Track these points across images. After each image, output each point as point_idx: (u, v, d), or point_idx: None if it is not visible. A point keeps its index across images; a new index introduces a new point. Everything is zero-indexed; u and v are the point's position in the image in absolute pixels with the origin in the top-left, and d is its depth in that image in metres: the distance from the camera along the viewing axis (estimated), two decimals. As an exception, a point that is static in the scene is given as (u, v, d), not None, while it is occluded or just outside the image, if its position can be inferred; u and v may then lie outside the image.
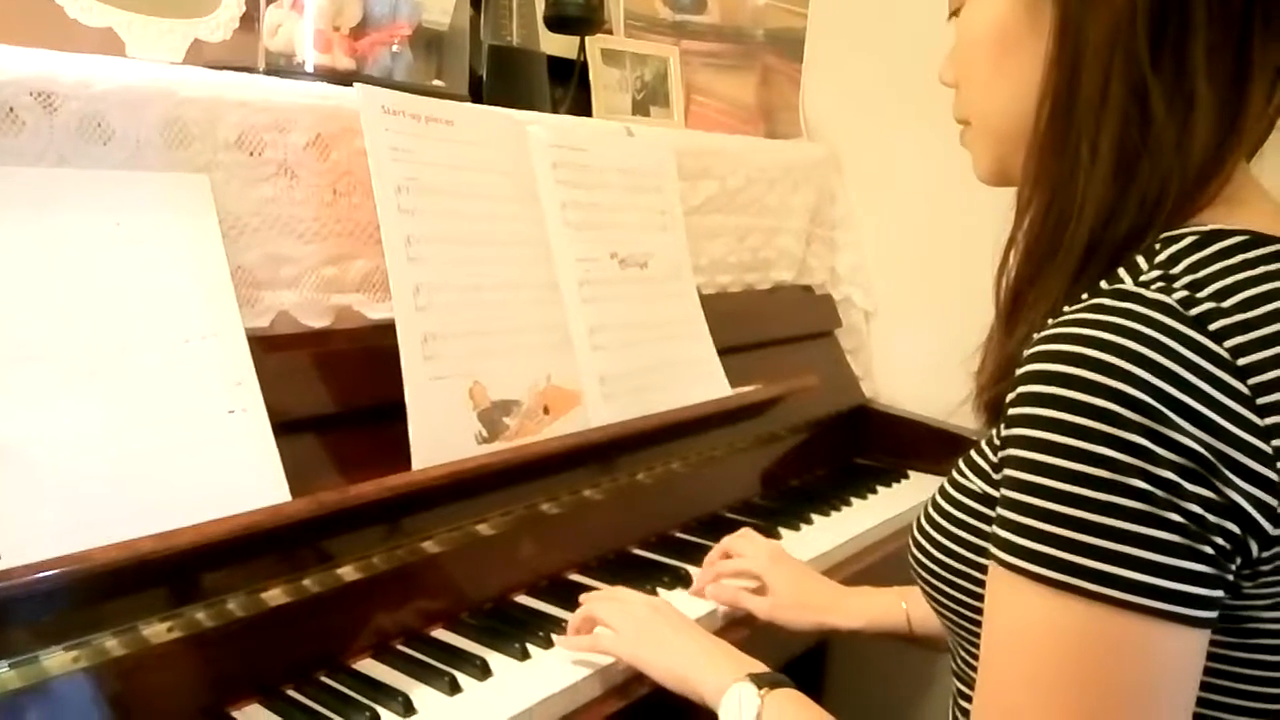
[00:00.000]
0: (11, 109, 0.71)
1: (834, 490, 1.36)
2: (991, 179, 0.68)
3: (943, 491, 0.66)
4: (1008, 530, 0.52)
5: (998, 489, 0.55)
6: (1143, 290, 0.52)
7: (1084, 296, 0.55)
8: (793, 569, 1.01)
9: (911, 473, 1.47)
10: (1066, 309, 0.55)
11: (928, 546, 0.66)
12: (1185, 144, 0.56)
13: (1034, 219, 0.61)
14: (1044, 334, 0.53)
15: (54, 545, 0.66)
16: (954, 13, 0.67)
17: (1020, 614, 0.52)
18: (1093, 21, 0.56)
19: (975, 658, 0.65)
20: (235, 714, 0.76)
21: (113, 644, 0.70)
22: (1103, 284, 0.56)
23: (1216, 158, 0.56)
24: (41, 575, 0.64)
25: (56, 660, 0.67)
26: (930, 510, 0.67)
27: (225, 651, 0.77)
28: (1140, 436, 0.48)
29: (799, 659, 1.05)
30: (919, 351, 1.61)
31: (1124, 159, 0.56)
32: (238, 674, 0.78)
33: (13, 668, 0.65)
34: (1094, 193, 0.57)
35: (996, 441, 0.59)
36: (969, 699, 0.67)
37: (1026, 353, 0.54)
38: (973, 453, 0.64)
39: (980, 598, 0.59)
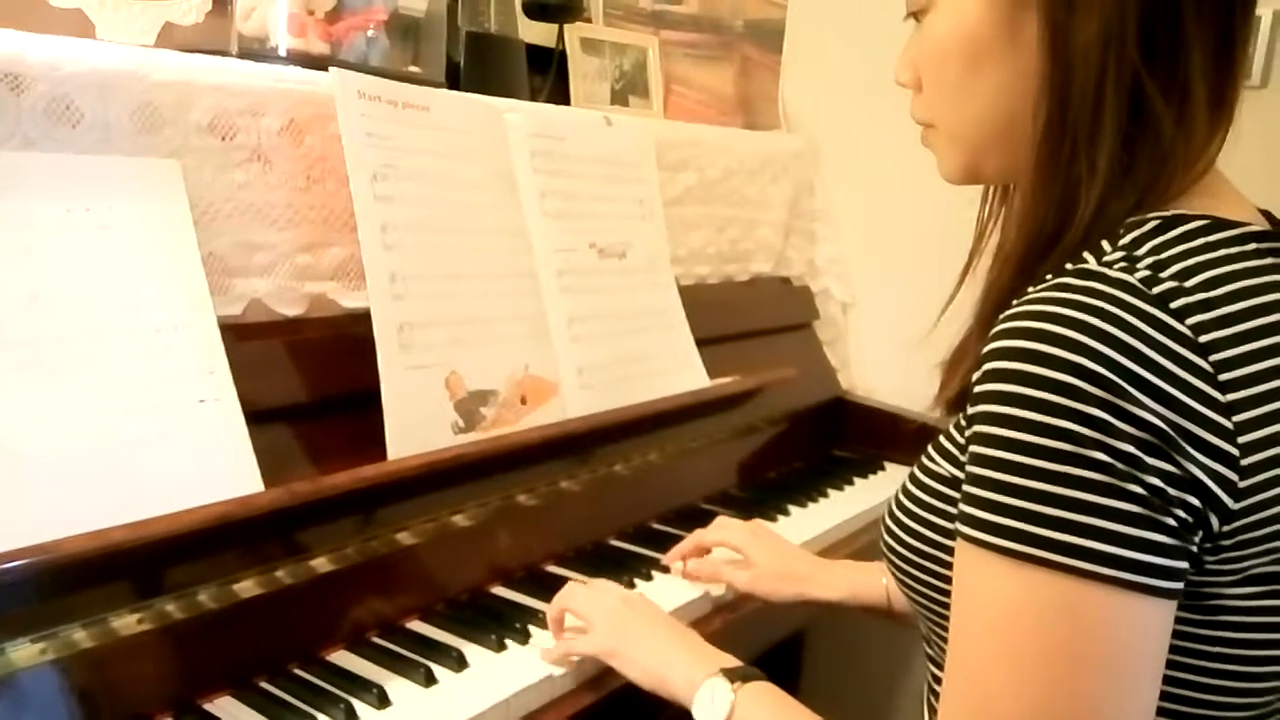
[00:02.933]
0: (-24, 90, 0.69)
1: (811, 481, 1.37)
2: (958, 179, 0.68)
3: (912, 478, 0.67)
4: (973, 506, 0.53)
5: (964, 469, 0.56)
6: (1106, 270, 0.53)
7: (1048, 278, 0.55)
8: (773, 541, 1.02)
9: (888, 464, 1.48)
10: (1030, 290, 0.55)
11: (898, 532, 0.66)
12: (1182, 138, 0.56)
13: (1030, 232, 0.60)
14: (1008, 313, 0.54)
15: (21, 535, 0.64)
16: (914, 14, 0.66)
17: (986, 588, 0.53)
18: (1081, 27, 0.56)
19: (947, 642, 0.65)
20: (207, 706, 0.75)
21: (81, 636, 0.69)
22: (1068, 266, 0.56)
23: (1205, 145, 0.57)
24: (8, 566, 0.63)
25: (24, 652, 0.66)
26: (900, 496, 0.67)
27: (196, 643, 0.76)
28: (1100, 410, 0.49)
29: (774, 650, 1.05)
30: (896, 343, 1.61)
31: (1122, 165, 0.57)
32: (209, 666, 0.77)
33: (-23, 660, 0.64)
34: (1093, 202, 0.57)
35: (964, 423, 0.59)
36: (942, 683, 0.68)
37: (992, 332, 0.54)
38: (941, 438, 0.65)
39: (951, 581, 0.59)
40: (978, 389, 0.53)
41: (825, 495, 1.33)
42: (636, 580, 1.02)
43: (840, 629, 1.56)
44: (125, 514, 0.69)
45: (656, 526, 1.19)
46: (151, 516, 0.70)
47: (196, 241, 0.81)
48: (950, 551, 0.60)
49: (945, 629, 0.65)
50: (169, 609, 0.74)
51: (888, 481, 1.42)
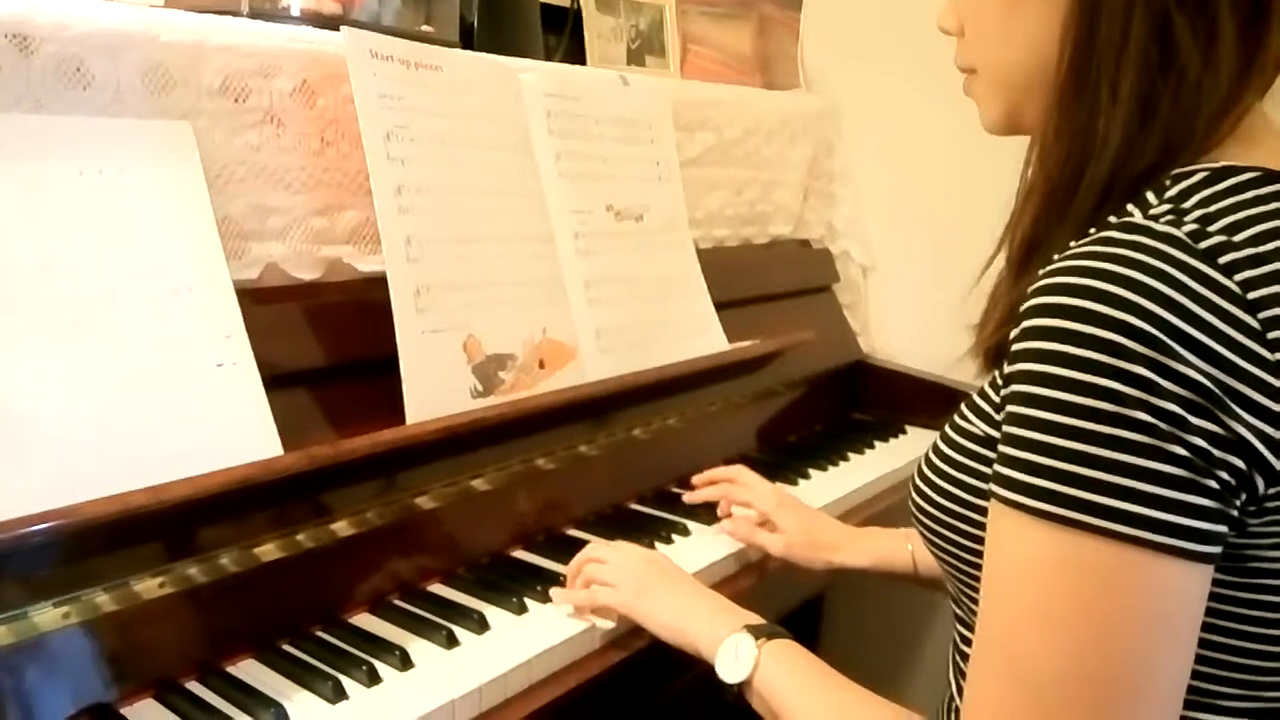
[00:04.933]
0: (-15, 52, 0.68)
1: (831, 445, 1.36)
2: (999, 129, 0.66)
3: (944, 436, 0.65)
4: (1008, 467, 0.52)
5: (1000, 429, 0.55)
6: (1151, 223, 0.51)
7: (1092, 232, 0.54)
8: (800, 510, 1.02)
9: (909, 428, 1.47)
10: (1073, 244, 0.53)
11: (928, 492, 0.65)
12: (1208, 80, 0.55)
13: (1051, 166, 0.59)
14: (1049, 269, 0.52)
15: (42, 500, 0.64)
16: None
17: (1021, 550, 0.52)
18: None
19: (977, 604, 0.65)
20: (230, 669, 0.75)
21: (104, 599, 0.69)
22: (1111, 219, 0.55)
23: (1235, 94, 0.55)
24: (29, 529, 0.63)
25: (47, 616, 0.66)
26: (931, 456, 0.66)
27: (219, 606, 0.76)
28: (1145, 369, 0.47)
29: (795, 611, 1.05)
30: (917, 306, 1.60)
31: (1146, 98, 0.55)
32: (232, 629, 0.77)
33: (2, 624, 0.64)
34: (1114, 135, 0.56)
35: (999, 381, 0.58)
36: (971, 644, 0.67)
37: (1031, 288, 0.53)
38: (975, 396, 0.63)
39: (983, 541, 0.58)
40: (1016, 347, 0.52)
41: (845, 459, 1.32)
42: (656, 543, 1.02)
43: (859, 590, 1.56)
44: (144, 478, 0.69)
45: (675, 490, 1.18)
46: (171, 480, 0.70)
47: (210, 205, 0.80)
48: (982, 512, 0.59)
49: (975, 590, 0.64)
50: (191, 572, 0.75)
51: (908, 445, 1.41)
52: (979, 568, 0.61)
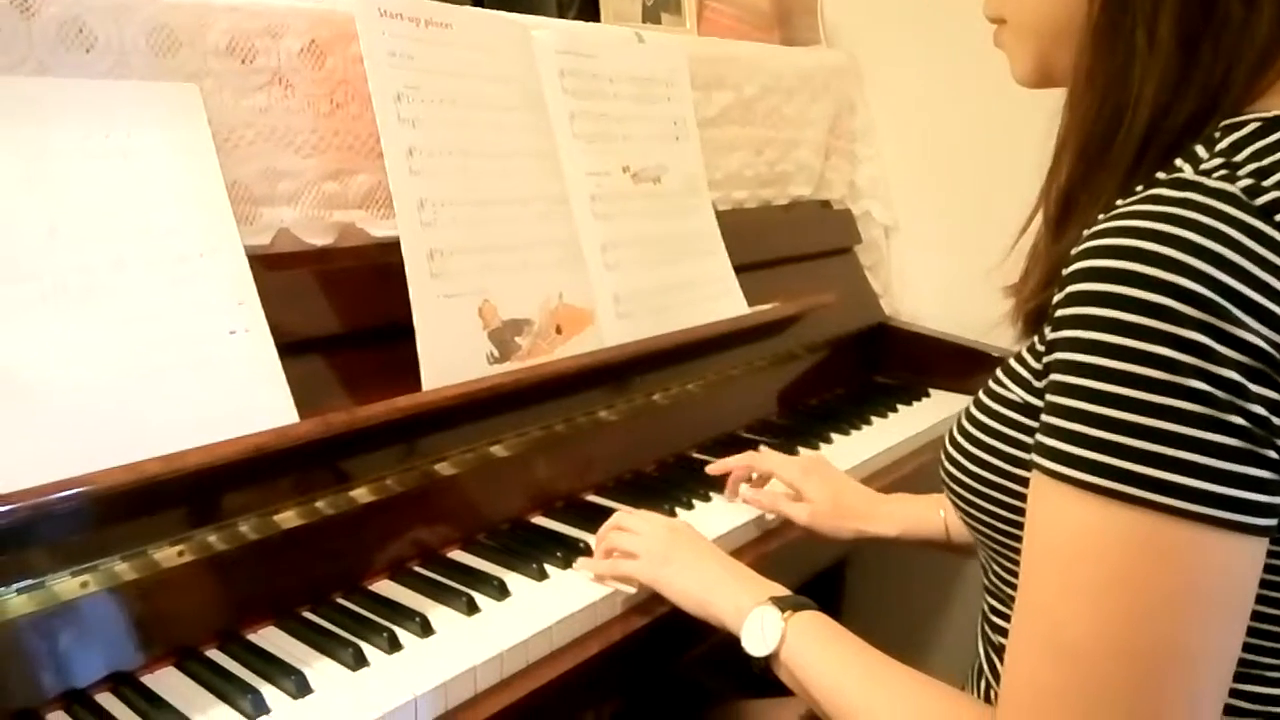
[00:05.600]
0: (-15, 13, 0.67)
1: (853, 409, 1.34)
2: (1031, 80, 0.63)
3: (978, 402, 0.63)
4: (1052, 437, 0.50)
5: (1041, 396, 0.53)
6: (1203, 179, 0.48)
7: (1139, 189, 0.51)
8: (828, 477, 1.00)
9: (933, 391, 1.45)
10: (1119, 203, 0.51)
11: (961, 459, 0.63)
12: (1251, 22, 0.52)
13: (1085, 116, 0.57)
14: (1095, 229, 0.50)
15: (56, 470, 0.64)
16: None
17: (1065, 524, 0.50)
18: None
19: (1011, 573, 0.63)
20: (251, 636, 0.75)
21: (123, 568, 0.69)
22: (1159, 175, 0.52)
23: None
24: (47, 498, 0.62)
25: (65, 585, 0.66)
26: (964, 422, 0.64)
27: (238, 574, 0.76)
28: (1200, 334, 0.45)
29: (815, 580, 1.04)
30: (940, 267, 1.57)
31: (1185, 42, 0.52)
32: (252, 596, 0.77)
33: (20, 593, 0.64)
34: (1152, 82, 0.53)
35: (1040, 347, 0.56)
36: (1003, 615, 0.66)
37: (1075, 250, 0.50)
38: (1012, 361, 0.61)
39: (1019, 510, 0.57)
40: (1060, 312, 0.50)
41: (868, 423, 1.30)
42: (677, 509, 1.01)
43: (882, 556, 1.55)
44: (159, 447, 0.69)
45: (696, 456, 1.17)
46: (187, 448, 0.70)
47: (220, 168, 0.78)
48: (1019, 481, 0.57)
49: (1008, 559, 0.63)
50: (210, 540, 0.74)
51: (932, 408, 1.39)
52: (1014, 538, 0.60)
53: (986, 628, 0.70)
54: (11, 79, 0.68)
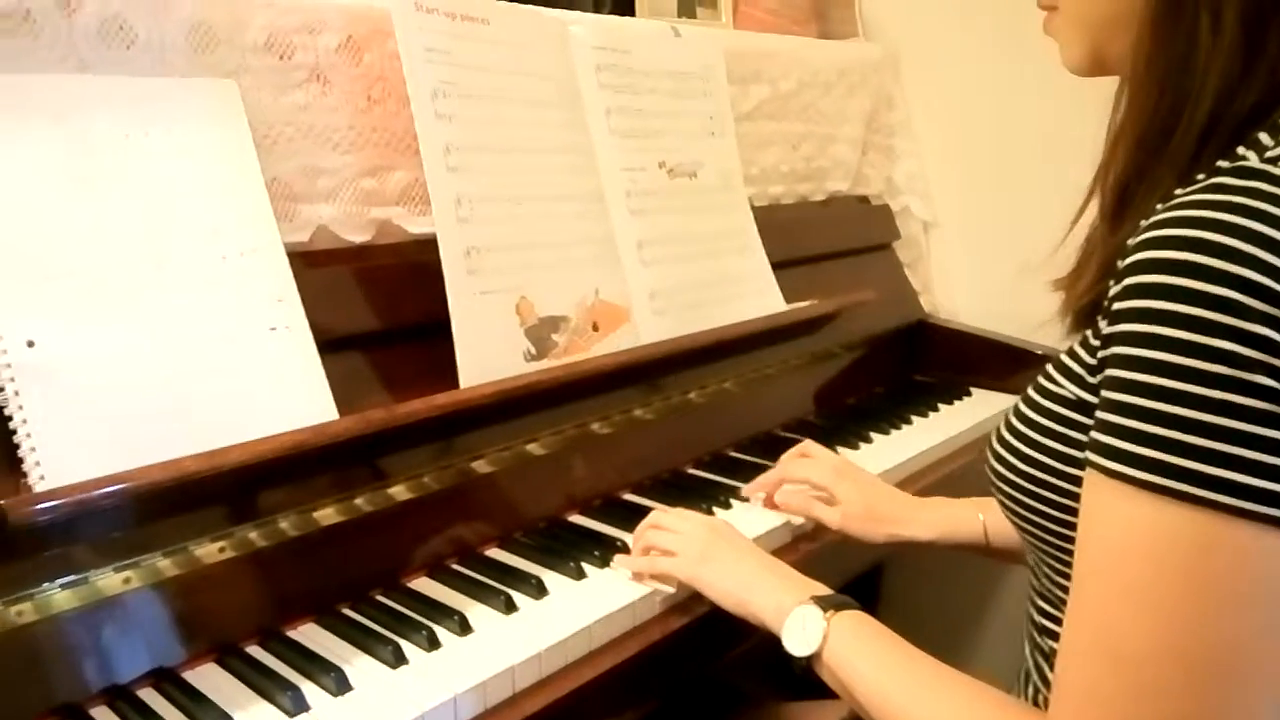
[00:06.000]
0: (28, 12, 0.67)
1: (893, 408, 1.32)
2: (1082, 68, 0.62)
3: (1028, 399, 0.61)
4: (1109, 434, 0.48)
5: (1096, 392, 0.51)
6: (1270, 167, 0.47)
7: (1200, 178, 0.50)
8: (861, 480, 0.98)
9: (974, 389, 1.42)
10: (1179, 192, 0.49)
11: (1010, 458, 0.61)
12: None
13: (1144, 105, 0.55)
14: (1155, 219, 0.48)
15: (99, 465, 0.64)
16: None
17: (1122, 524, 0.48)
18: None
19: (1061, 575, 0.61)
20: (291, 633, 0.75)
21: (165, 564, 0.69)
22: (1222, 163, 0.50)
23: None
24: (90, 495, 0.63)
25: (108, 581, 0.66)
26: (1013, 420, 0.62)
27: (279, 571, 0.76)
28: (1265, 327, 0.44)
29: (852, 584, 1.02)
30: (982, 263, 1.55)
31: (1252, 29, 0.50)
32: (293, 594, 0.77)
33: (65, 588, 0.64)
34: (1216, 70, 0.51)
35: (1095, 341, 0.54)
36: (1054, 619, 0.64)
37: (1133, 241, 0.49)
38: (1064, 356, 0.59)
39: (1071, 510, 0.55)
40: (1119, 305, 0.48)
41: (908, 422, 1.28)
42: (715, 509, 0.99)
43: (920, 561, 1.53)
44: (200, 443, 0.69)
45: (733, 455, 1.16)
46: (227, 445, 0.70)
47: (259, 165, 0.78)
48: (1071, 480, 0.56)
49: (1059, 562, 0.61)
50: (250, 537, 0.74)
51: (975, 407, 1.36)
52: (1065, 539, 0.58)
53: (1034, 632, 0.68)
54: (52, 77, 0.68)
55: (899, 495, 0.98)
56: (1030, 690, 0.68)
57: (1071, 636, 0.52)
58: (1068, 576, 0.60)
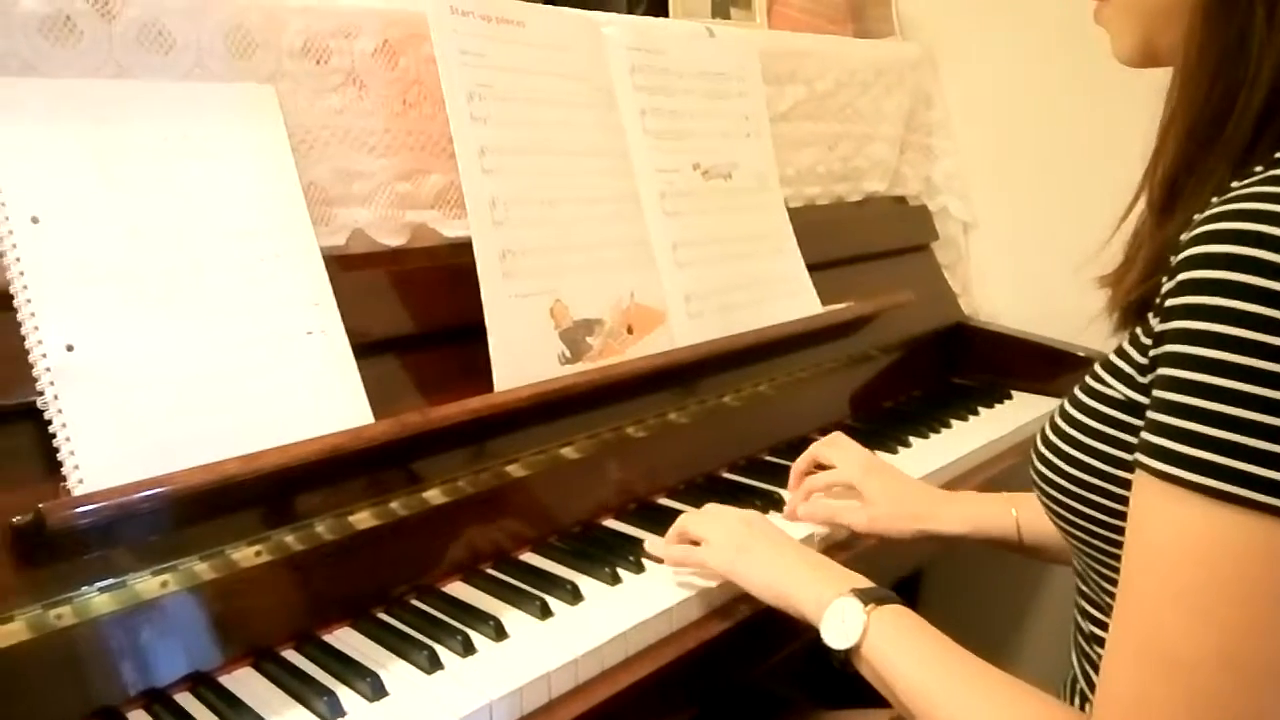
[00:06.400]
0: (68, 17, 0.68)
1: (932, 411, 1.30)
2: (1134, 60, 0.60)
3: (1074, 400, 0.60)
4: (1161, 435, 0.47)
5: (1146, 392, 0.49)
6: None
7: (1257, 170, 0.48)
8: (888, 476, 0.96)
9: (1015, 393, 1.39)
10: (1235, 185, 0.47)
11: (1056, 460, 0.59)
12: None
13: (1195, 95, 0.53)
14: (1210, 213, 0.46)
15: (136, 469, 0.64)
16: None
17: (1173, 527, 0.47)
18: None
19: (1109, 580, 0.60)
20: (327, 638, 0.75)
21: (202, 568, 0.69)
22: (1278, 155, 0.48)
23: None
24: (128, 498, 0.63)
25: (146, 584, 0.66)
26: (1059, 421, 0.60)
27: (314, 575, 0.76)
28: None
29: (893, 585, 1.00)
30: (1022, 264, 1.52)
31: None
32: (328, 597, 0.77)
33: (103, 592, 0.65)
34: (1271, 59, 0.50)
35: (1146, 340, 0.52)
36: (1102, 625, 0.62)
37: (1186, 236, 0.47)
38: (1112, 356, 0.57)
39: (1121, 515, 0.54)
40: (1172, 302, 0.47)
41: (948, 425, 1.26)
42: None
43: (960, 566, 1.50)
44: (237, 446, 0.69)
45: (768, 458, 1.14)
46: (264, 449, 0.70)
47: (295, 169, 0.79)
48: (1120, 483, 0.54)
49: (1106, 567, 0.59)
50: (287, 540, 0.74)
51: (1016, 410, 1.33)
52: (1114, 543, 0.56)
53: (1081, 639, 0.67)
54: (91, 82, 0.69)
55: (927, 489, 0.96)
56: (1077, 699, 0.66)
57: (1119, 641, 0.50)
58: (1116, 582, 0.58)
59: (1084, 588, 0.65)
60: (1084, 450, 0.57)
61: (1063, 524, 0.61)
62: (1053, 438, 0.60)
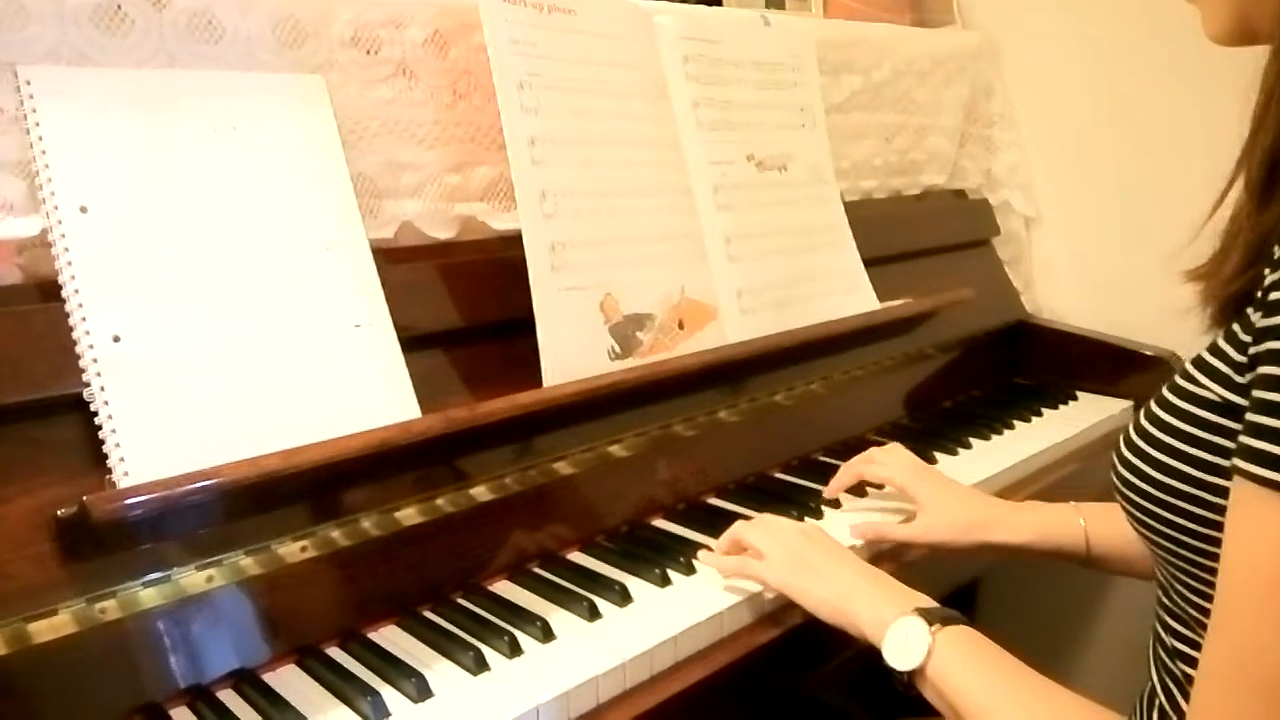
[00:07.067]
0: (119, 7, 0.67)
1: (993, 412, 1.25)
2: (1228, 38, 0.56)
3: (1162, 401, 0.56)
4: (1262, 438, 0.44)
5: (1244, 393, 0.46)
6: None
7: None
8: (941, 482, 0.92)
9: (1081, 394, 1.34)
10: None
11: (1142, 466, 0.56)
12: None
13: None
14: None
15: (182, 462, 0.64)
16: None
17: (1273, 538, 0.44)
18: None
19: (1197, 594, 0.56)
20: (372, 635, 0.74)
21: (248, 562, 0.69)
22: None
23: None
24: (173, 491, 0.62)
25: (191, 579, 0.66)
26: (1145, 424, 0.57)
27: (360, 571, 0.75)
28: None
29: (945, 600, 0.96)
30: (1087, 260, 1.46)
31: None
32: (373, 594, 0.76)
33: (147, 586, 0.64)
34: None
35: (1245, 336, 0.48)
36: (1185, 640, 0.59)
37: None
38: (1205, 353, 0.54)
39: (1213, 524, 0.50)
40: (1275, 295, 0.43)
41: (1010, 427, 1.21)
42: (805, 516, 0.95)
43: (1018, 575, 1.45)
44: (283, 440, 0.68)
45: (821, 459, 1.11)
46: (310, 443, 0.69)
47: (345, 160, 0.78)
48: (1214, 490, 0.51)
49: (1195, 578, 0.55)
50: (333, 536, 0.73)
51: (1082, 412, 1.28)
52: (1204, 554, 0.53)
53: (1164, 654, 0.63)
54: (140, 72, 0.69)
55: (985, 497, 0.91)
56: (1156, 714, 0.63)
57: (1213, 661, 0.47)
58: (1204, 595, 0.55)
59: (1166, 600, 0.61)
60: (1174, 455, 0.54)
61: (1148, 533, 0.58)
62: (1139, 442, 0.57)
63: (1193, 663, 0.58)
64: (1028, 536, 0.86)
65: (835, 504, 0.98)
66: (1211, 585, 0.52)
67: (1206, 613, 0.54)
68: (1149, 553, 0.61)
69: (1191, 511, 0.53)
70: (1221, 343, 0.52)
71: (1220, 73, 0.55)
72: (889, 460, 0.95)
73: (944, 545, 0.88)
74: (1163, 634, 0.62)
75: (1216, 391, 0.51)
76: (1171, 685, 0.61)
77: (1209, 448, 0.51)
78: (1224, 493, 0.48)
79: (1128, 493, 0.58)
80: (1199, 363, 0.54)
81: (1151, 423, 0.56)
